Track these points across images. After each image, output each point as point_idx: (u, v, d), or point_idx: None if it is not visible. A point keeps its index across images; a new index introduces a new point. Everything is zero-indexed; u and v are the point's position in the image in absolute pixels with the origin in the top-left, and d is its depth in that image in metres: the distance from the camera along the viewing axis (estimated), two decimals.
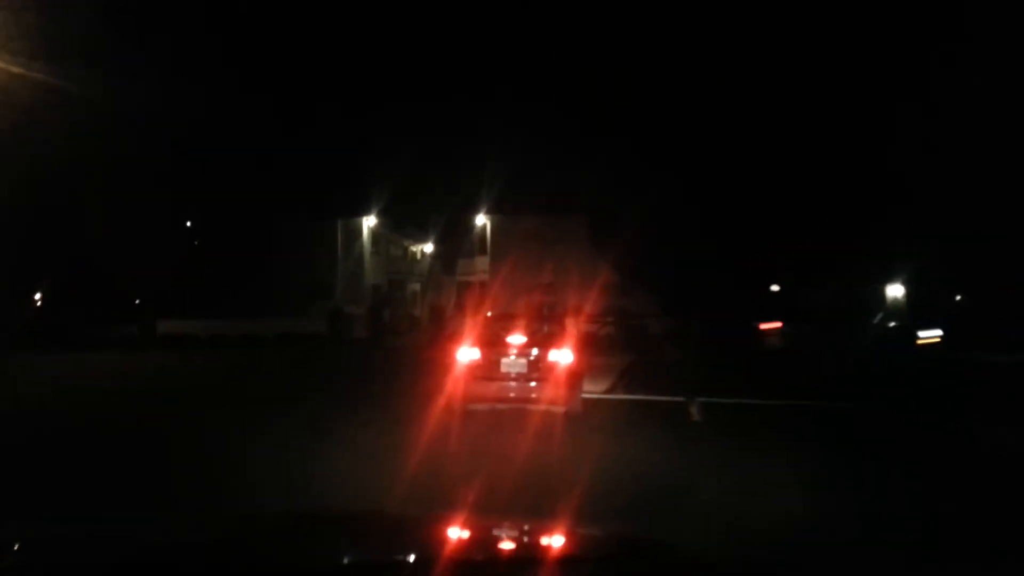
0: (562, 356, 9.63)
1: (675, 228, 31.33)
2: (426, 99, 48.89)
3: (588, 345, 10.51)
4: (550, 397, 9.54)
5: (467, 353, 9.73)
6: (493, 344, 9.87)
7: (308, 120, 44.80)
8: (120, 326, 31.28)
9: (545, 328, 10.56)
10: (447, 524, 2.19)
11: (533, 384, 9.58)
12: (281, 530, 2.07)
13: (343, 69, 50.10)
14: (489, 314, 16.73)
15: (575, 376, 9.69)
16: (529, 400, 9.62)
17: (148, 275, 32.44)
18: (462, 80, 46.94)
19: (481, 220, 39.25)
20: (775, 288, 40.75)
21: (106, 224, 31.32)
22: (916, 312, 34.30)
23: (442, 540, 1.93)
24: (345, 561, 1.74)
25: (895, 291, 37.27)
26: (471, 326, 10.71)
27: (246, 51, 42.69)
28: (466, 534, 2.03)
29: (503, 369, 9.64)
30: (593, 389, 10.99)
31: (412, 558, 1.72)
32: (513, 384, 9.59)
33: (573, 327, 10.99)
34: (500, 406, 9.74)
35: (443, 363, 10.36)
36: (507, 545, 2.04)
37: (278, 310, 31.97)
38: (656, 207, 31.88)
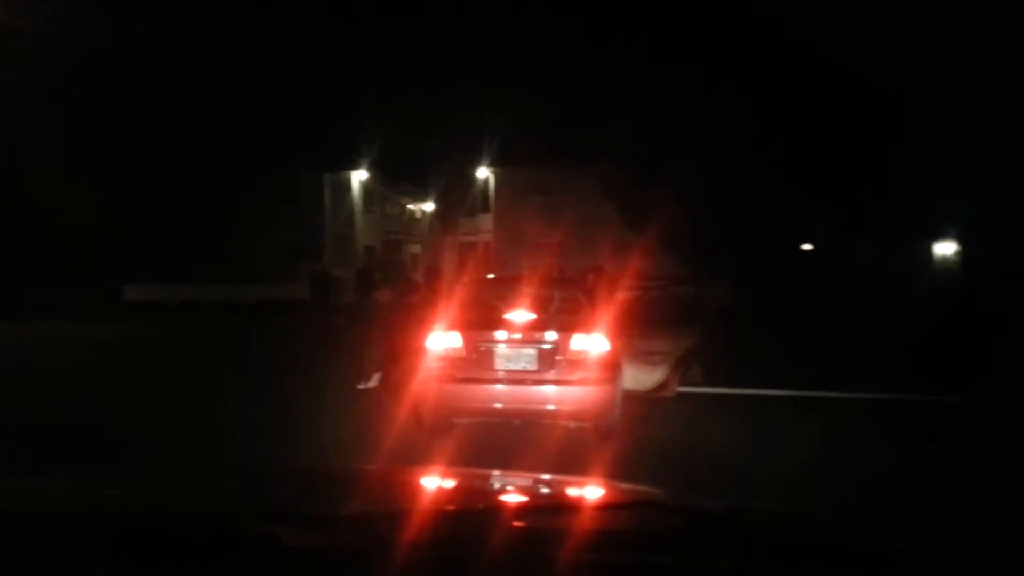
0: (591, 343, 6.14)
1: (702, 179, 27.58)
2: (421, 34, 44.47)
3: (623, 321, 6.92)
4: (573, 407, 6.11)
5: (443, 340, 6.23)
6: (484, 325, 6.38)
7: (289, 60, 40.70)
8: (82, 292, 28.07)
9: (564, 300, 7.07)
10: (445, 476, 2.20)
11: (547, 388, 6.11)
12: (271, 481, 2.00)
13: None
14: (489, 277, 13.24)
15: (610, 372, 6.21)
16: (539, 412, 6.17)
17: (114, 235, 28.97)
18: (463, 11, 42.46)
19: (484, 174, 35.53)
20: (807, 247, 36.93)
21: (63, 180, 27.81)
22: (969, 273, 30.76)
23: (442, 490, 1.96)
24: (347, 511, 1.64)
25: (944, 249, 33.53)
26: (451, 297, 7.19)
27: None
28: (478, 484, 2.05)
29: (499, 364, 6.15)
30: (636, 386, 7.49)
31: (409, 508, 1.59)
32: (514, 389, 6.12)
33: (603, 298, 7.48)
34: (493, 420, 6.30)
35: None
36: (521, 495, 1.97)
37: (260, 274, 28.64)
38: (679, 156, 28.13)
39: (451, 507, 1.71)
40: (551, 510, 1.72)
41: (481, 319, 6.50)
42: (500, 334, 6.20)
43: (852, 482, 5.11)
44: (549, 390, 6.10)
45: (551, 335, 6.17)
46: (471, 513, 1.60)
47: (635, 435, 6.42)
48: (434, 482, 2.07)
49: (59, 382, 10.11)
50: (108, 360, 12.87)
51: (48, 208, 28.19)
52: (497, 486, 2.10)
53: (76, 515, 1.45)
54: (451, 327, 6.29)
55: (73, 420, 7.31)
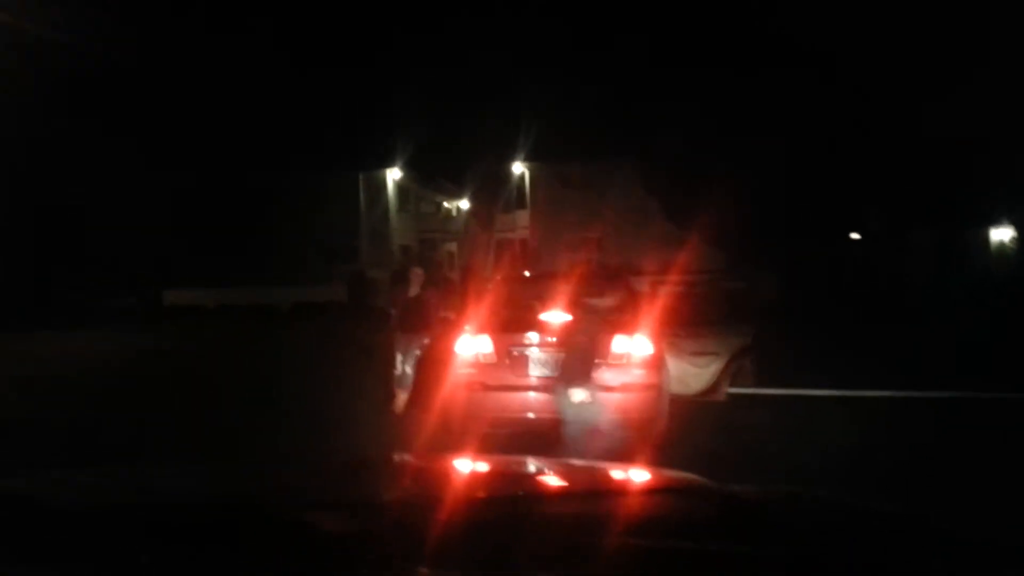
0: (634, 344, 5.63)
1: (748, 170, 26.68)
2: (455, 29, 43.97)
3: (668, 320, 6.38)
4: (616, 414, 5.59)
5: (472, 344, 5.78)
6: (517, 327, 5.91)
7: (324, 61, 40.64)
8: (122, 298, 28.37)
9: (604, 299, 6.56)
10: (484, 463, 2.20)
11: None
12: (311, 470, 2.01)
13: None
14: (524, 275, 12.77)
15: (656, 375, 5.70)
16: None
17: (153, 240, 29.20)
18: (497, 5, 41.74)
19: (519, 169, 35.01)
20: (855, 236, 35.55)
21: (100, 185, 28.11)
22: None
23: (481, 476, 1.96)
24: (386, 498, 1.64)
25: (1001, 235, 32.02)
26: (483, 298, 6.72)
27: None
28: (516, 470, 2.05)
29: (533, 370, 5.68)
30: (683, 389, 6.93)
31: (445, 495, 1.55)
32: (549, 396, 5.63)
33: (644, 296, 6.95)
34: (526, 431, 5.81)
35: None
36: (560, 480, 1.96)
37: (296, 276, 28.61)
38: (724, 147, 27.31)
39: (491, 493, 1.72)
40: (590, 495, 1.70)
41: (514, 321, 6.03)
42: (534, 337, 5.73)
43: (910, 484, 4.67)
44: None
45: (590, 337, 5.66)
46: (510, 499, 1.58)
47: (683, 444, 5.88)
48: (473, 469, 2.06)
49: (100, 391, 9.90)
50: (156, 369, 12.61)
51: (87, 216, 28.55)
52: (534, 471, 2.09)
53: (121, 506, 1.48)
54: (481, 330, 5.83)
55: (112, 424, 7.21)
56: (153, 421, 7.42)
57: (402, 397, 7.28)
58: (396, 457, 2.80)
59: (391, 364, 7.43)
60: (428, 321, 7.49)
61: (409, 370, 7.33)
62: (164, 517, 1.37)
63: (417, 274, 7.76)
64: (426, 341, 7.39)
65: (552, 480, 1.96)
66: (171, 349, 16.20)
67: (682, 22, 36.47)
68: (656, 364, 5.71)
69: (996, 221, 31.72)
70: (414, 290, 7.58)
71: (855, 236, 35.16)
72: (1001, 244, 32.18)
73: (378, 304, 9.46)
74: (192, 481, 1.81)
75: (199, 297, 28.30)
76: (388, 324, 7.71)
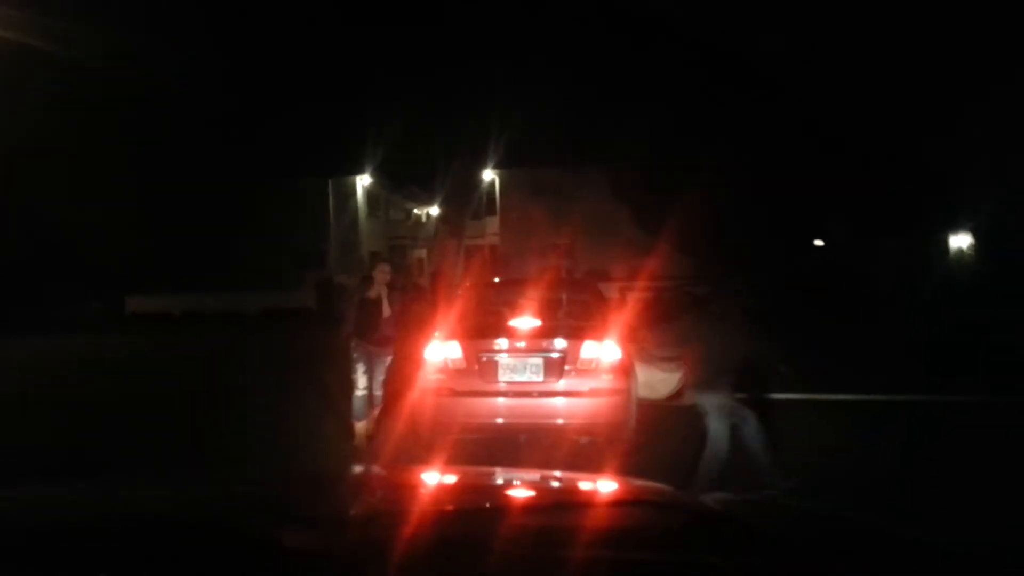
0: (602, 350, 5.67)
1: (716, 178, 27.00)
2: (424, 36, 43.96)
3: (636, 326, 6.44)
4: (583, 420, 5.65)
5: (441, 350, 5.77)
6: (486, 333, 5.92)
7: (292, 66, 40.38)
8: (82, 305, 27.78)
9: (572, 306, 6.59)
10: (451, 475, 2.19)
11: (554, 400, 5.65)
12: (276, 484, 2.00)
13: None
14: (494, 281, 12.77)
15: (624, 381, 5.75)
16: (546, 427, 5.71)
17: (114, 246, 28.60)
18: (467, 11, 41.78)
19: (489, 176, 35.06)
20: (819, 243, 36.17)
21: (64, 192, 27.49)
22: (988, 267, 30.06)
23: (449, 489, 1.92)
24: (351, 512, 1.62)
25: (960, 241, 32.81)
26: (452, 303, 6.71)
27: None
28: (484, 482, 2.05)
29: (502, 376, 5.69)
30: (651, 394, 7.00)
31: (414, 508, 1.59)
32: (518, 402, 5.65)
33: (613, 302, 7.01)
34: (496, 436, 5.81)
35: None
36: (527, 492, 1.93)
37: (264, 282, 28.30)
38: (692, 155, 27.62)
39: (458, 506, 1.70)
40: (558, 508, 1.70)
41: (483, 327, 6.04)
42: (503, 343, 5.75)
43: (882, 487, 4.75)
44: (557, 402, 5.64)
45: (559, 343, 5.71)
46: (478, 512, 1.57)
47: (650, 448, 5.92)
48: (441, 481, 2.04)
49: (68, 401, 9.71)
50: (114, 379, 12.38)
51: (49, 221, 27.91)
52: (502, 483, 2.08)
53: (83, 523, 1.45)
54: (450, 336, 5.83)
55: (82, 437, 7.09)
56: (115, 436, 7.30)
57: (366, 427, 6.63)
58: (362, 469, 2.79)
59: (348, 375, 6.70)
60: (385, 326, 6.62)
61: (379, 392, 6.71)
62: (127, 534, 1.35)
63: (383, 271, 6.78)
64: (389, 358, 6.72)
65: (520, 492, 1.94)
66: (115, 358, 15.90)
67: (650, 29, 36.84)
68: (624, 369, 5.75)
69: (954, 228, 32.50)
70: (377, 289, 6.66)
71: (819, 243, 35.77)
72: (960, 251, 32.96)
73: (339, 309, 8.50)
74: (154, 496, 1.78)
75: (164, 303, 27.84)
76: (343, 330, 6.84)
